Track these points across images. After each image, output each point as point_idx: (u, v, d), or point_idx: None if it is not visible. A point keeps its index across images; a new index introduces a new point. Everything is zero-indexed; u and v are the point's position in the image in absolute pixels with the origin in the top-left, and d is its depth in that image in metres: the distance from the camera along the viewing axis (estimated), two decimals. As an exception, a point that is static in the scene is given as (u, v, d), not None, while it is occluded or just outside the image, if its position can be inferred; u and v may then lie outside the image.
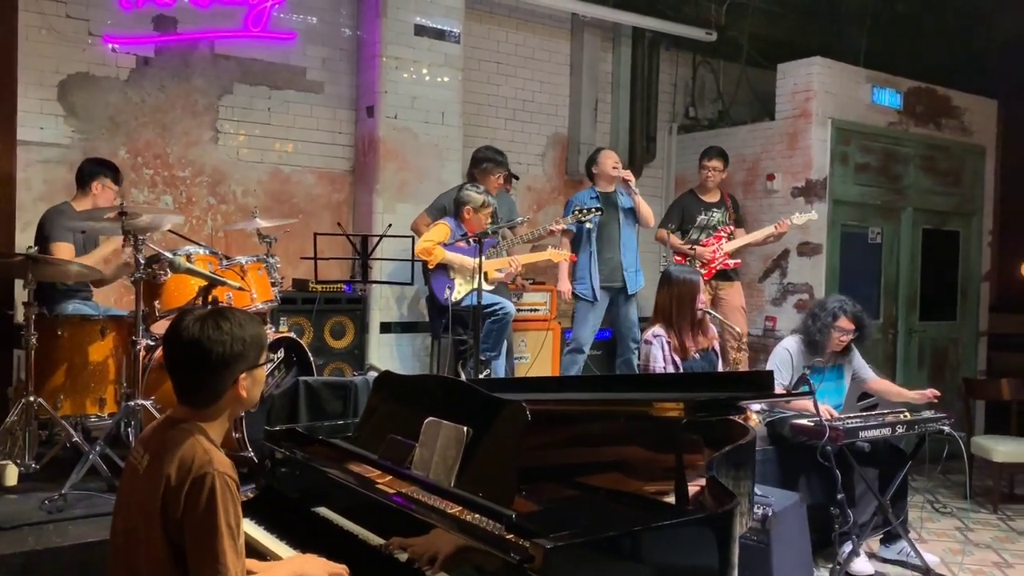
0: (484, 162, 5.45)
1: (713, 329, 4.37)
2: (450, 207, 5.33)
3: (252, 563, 2.08)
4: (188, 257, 3.75)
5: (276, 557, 2.38)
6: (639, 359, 4.23)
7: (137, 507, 1.95)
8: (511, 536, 1.85)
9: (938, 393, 4.56)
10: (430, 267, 5.00)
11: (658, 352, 4.11)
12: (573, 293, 5.52)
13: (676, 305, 4.15)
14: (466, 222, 5.01)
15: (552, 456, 2.35)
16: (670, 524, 1.98)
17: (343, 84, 5.99)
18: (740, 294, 6.07)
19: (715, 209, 6.03)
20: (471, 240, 4.55)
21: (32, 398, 3.51)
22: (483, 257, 4.62)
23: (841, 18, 7.82)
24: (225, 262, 4.00)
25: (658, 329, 4.18)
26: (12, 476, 3.53)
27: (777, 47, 7.39)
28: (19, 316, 4.17)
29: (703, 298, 4.26)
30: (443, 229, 5.02)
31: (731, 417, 2.72)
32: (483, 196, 5.04)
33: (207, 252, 3.99)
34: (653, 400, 2.51)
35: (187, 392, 2.02)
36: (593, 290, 5.48)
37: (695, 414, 2.43)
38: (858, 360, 4.73)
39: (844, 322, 4.44)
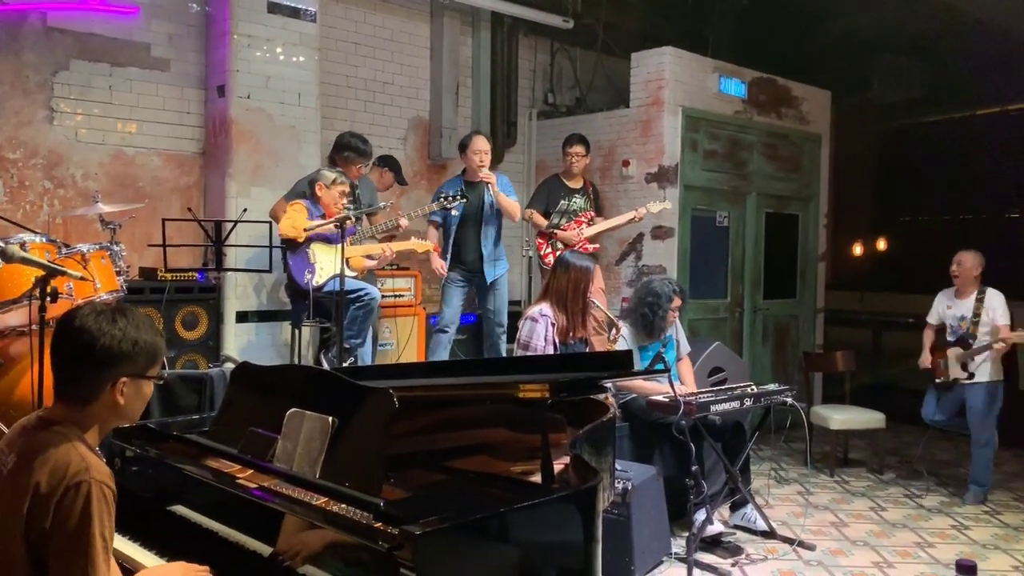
0: (346, 150, 5.34)
1: (593, 322, 4.53)
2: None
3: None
4: (22, 245, 3.47)
5: (129, 560, 2.28)
6: (520, 335, 4.29)
7: None
8: (380, 525, 1.84)
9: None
10: (299, 240, 4.82)
11: (542, 331, 4.19)
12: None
13: (572, 289, 4.28)
14: (320, 200, 4.91)
15: (420, 442, 2.34)
16: (536, 503, 2.02)
17: (191, 62, 5.70)
18: (600, 277, 6.26)
19: (577, 195, 6.18)
20: (335, 226, 4.45)
21: None
22: (346, 243, 4.54)
23: (691, 9, 8.14)
24: (64, 250, 3.74)
25: (546, 309, 4.26)
26: None
27: (631, 36, 7.61)
28: None
29: (594, 287, 4.40)
30: (299, 207, 4.89)
31: (592, 396, 2.80)
32: (334, 174, 4.97)
33: (43, 240, 3.71)
34: (519, 383, 2.55)
35: (64, 385, 1.89)
36: (454, 274, 5.58)
37: (559, 395, 2.48)
38: (681, 332, 4.99)
39: (677, 301, 4.74)
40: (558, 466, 2.33)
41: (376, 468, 2.05)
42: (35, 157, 5.18)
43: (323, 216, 4.86)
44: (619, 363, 2.82)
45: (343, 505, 1.97)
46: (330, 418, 2.19)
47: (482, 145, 5.54)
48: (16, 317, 3.56)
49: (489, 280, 5.59)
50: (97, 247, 3.95)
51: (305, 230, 4.71)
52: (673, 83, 6.74)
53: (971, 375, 5.44)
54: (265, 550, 2.09)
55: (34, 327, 2.93)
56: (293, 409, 2.31)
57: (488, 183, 5.48)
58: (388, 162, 6.16)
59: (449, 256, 5.59)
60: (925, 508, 5.30)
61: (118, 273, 4.07)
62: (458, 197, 5.27)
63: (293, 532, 2.02)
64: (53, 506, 1.72)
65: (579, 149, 6.15)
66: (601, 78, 7.97)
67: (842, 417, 6.16)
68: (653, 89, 6.79)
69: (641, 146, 6.89)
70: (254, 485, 2.19)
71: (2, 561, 1.76)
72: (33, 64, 5.14)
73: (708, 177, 7.07)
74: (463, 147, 5.64)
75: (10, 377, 3.54)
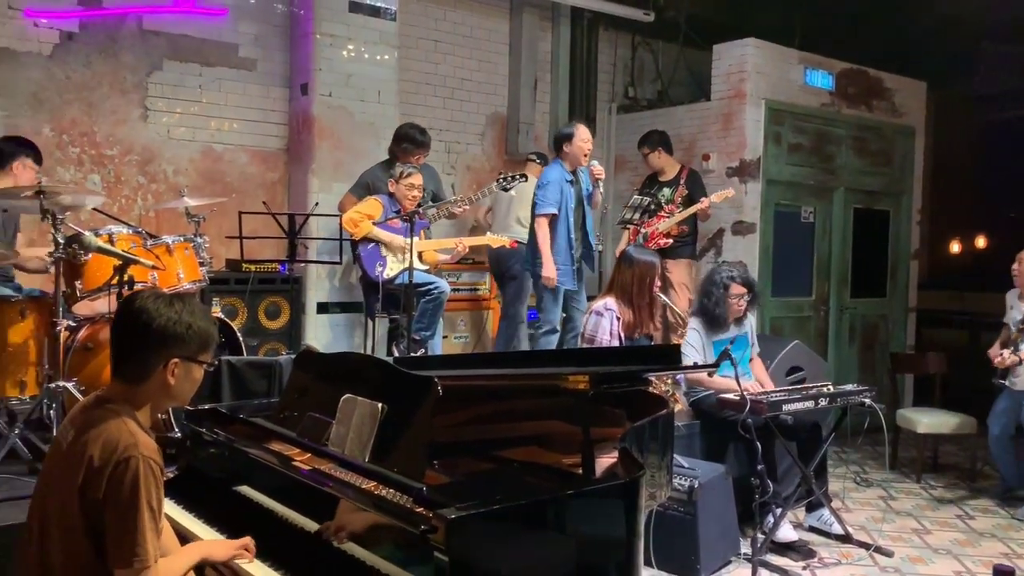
0: (404, 141, 5.38)
1: (658, 316, 4.48)
2: (373, 185, 5.31)
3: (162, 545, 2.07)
4: (110, 237, 3.68)
5: (196, 537, 2.38)
6: (585, 329, 4.28)
7: (58, 484, 1.94)
8: (420, 508, 1.88)
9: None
10: (355, 238, 4.95)
11: (607, 325, 4.18)
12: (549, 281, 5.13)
13: (637, 284, 4.26)
14: (395, 197, 5.02)
15: (468, 430, 2.38)
16: (575, 493, 2.02)
17: (276, 61, 5.91)
18: (682, 271, 6.10)
19: (666, 187, 6.07)
20: (403, 219, 4.54)
21: (-51, 381, 3.43)
22: (418, 237, 4.63)
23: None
24: (150, 241, 3.94)
25: (612, 303, 4.25)
26: (-70, 460, 3.45)
27: (714, 28, 7.48)
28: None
29: (659, 282, 4.36)
30: (374, 204, 5.00)
31: (646, 390, 2.78)
32: (401, 167, 5.06)
33: (130, 232, 3.92)
34: (561, 374, 2.55)
35: (120, 362, 2.02)
36: (572, 278, 5.20)
37: (600, 386, 2.48)
38: (752, 330, 4.84)
39: (736, 288, 4.56)
40: (608, 460, 2.33)
41: (420, 454, 2.10)
42: (130, 153, 5.46)
43: (398, 212, 4.96)
44: (665, 356, 2.78)
45: (389, 489, 2.02)
46: (380, 404, 2.25)
47: (588, 135, 5.23)
48: (104, 304, 3.78)
49: (595, 269, 5.46)
50: (181, 239, 4.13)
51: (366, 236, 4.84)
52: (755, 75, 6.59)
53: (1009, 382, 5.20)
54: (322, 532, 2.16)
55: (113, 314, 3.09)
56: (347, 395, 2.38)
57: (600, 177, 5.24)
58: (544, 159, 6.31)
59: (566, 255, 5.19)
60: (1017, 518, 5.03)
61: (201, 264, 4.26)
62: (516, 177, 5.23)
63: (344, 513, 2.08)
64: (105, 478, 1.85)
65: (643, 150, 6.13)
66: (683, 71, 7.86)
67: (930, 420, 5.90)
68: (735, 81, 6.66)
69: (722, 139, 6.76)
70: (310, 468, 2.26)
71: (63, 523, 1.89)
72: (129, 65, 5.42)
73: (792, 171, 6.89)
74: (568, 137, 5.19)
75: (99, 361, 3.76)
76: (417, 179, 5.03)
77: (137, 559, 1.83)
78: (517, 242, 5.54)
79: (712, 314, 4.57)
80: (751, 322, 4.83)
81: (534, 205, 5.15)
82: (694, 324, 4.70)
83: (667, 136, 6.26)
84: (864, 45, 7.67)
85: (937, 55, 8.26)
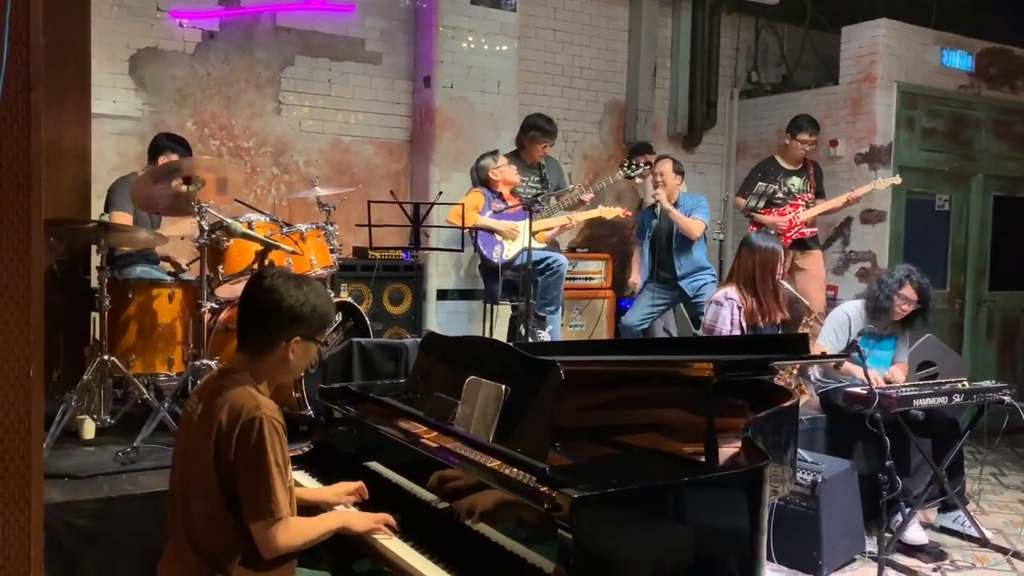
0: (532, 129, 5.47)
1: (784, 304, 4.37)
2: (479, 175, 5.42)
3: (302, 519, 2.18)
4: (249, 224, 3.88)
5: (329, 509, 2.51)
6: (705, 320, 4.24)
7: (192, 452, 2.08)
8: (544, 488, 1.93)
9: None
10: (462, 227, 5.07)
11: (727, 314, 4.10)
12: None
13: (759, 271, 4.15)
14: (495, 183, 5.12)
15: (589, 415, 2.41)
16: (698, 480, 2.02)
17: (401, 55, 6.07)
18: (820, 263, 5.94)
19: (795, 176, 5.87)
20: (523, 206, 4.62)
21: (106, 357, 3.70)
22: (531, 219, 4.69)
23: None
24: (285, 229, 4.12)
25: (732, 292, 4.17)
26: (89, 430, 3.74)
27: (842, 9, 7.20)
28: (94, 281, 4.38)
29: (781, 269, 4.25)
30: (476, 196, 5.12)
31: (770, 380, 2.73)
32: (490, 156, 5.18)
33: (268, 220, 4.11)
34: (684, 361, 2.54)
35: (247, 335, 2.15)
36: (642, 281, 5.64)
37: (724, 374, 2.45)
38: (904, 341, 4.63)
39: (908, 290, 4.34)
40: (731, 449, 2.31)
41: (543, 435, 2.14)
42: (265, 146, 5.74)
43: (500, 198, 5.05)
44: (792, 346, 2.73)
45: (513, 468, 2.08)
46: (503, 386, 2.30)
47: (659, 168, 5.55)
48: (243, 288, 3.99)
49: (690, 293, 5.49)
50: (313, 227, 4.30)
51: (475, 225, 4.98)
52: (887, 57, 6.32)
53: None
54: (443, 506, 2.24)
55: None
56: (472, 377, 2.45)
57: (657, 201, 5.44)
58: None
59: (647, 271, 5.62)
60: None
61: (332, 251, 4.43)
62: (641, 165, 5.26)
63: (467, 489, 2.16)
64: (234, 440, 1.98)
65: (803, 136, 5.78)
66: (809, 54, 7.61)
67: (1077, 422, 5.53)
68: (865, 64, 6.41)
69: (850, 125, 6.52)
70: (437, 446, 2.35)
71: (202, 490, 2.03)
72: (264, 61, 5.69)
73: (926, 157, 6.59)
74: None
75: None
76: (505, 162, 5.17)
77: (270, 512, 1.96)
78: (628, 212, 5.58)
79: (876, 303, 4.39)
80: (907, 335, 4.62)
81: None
82: (848, 308, 4.56)
83: None
84: (1008, 22, 7.22)
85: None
